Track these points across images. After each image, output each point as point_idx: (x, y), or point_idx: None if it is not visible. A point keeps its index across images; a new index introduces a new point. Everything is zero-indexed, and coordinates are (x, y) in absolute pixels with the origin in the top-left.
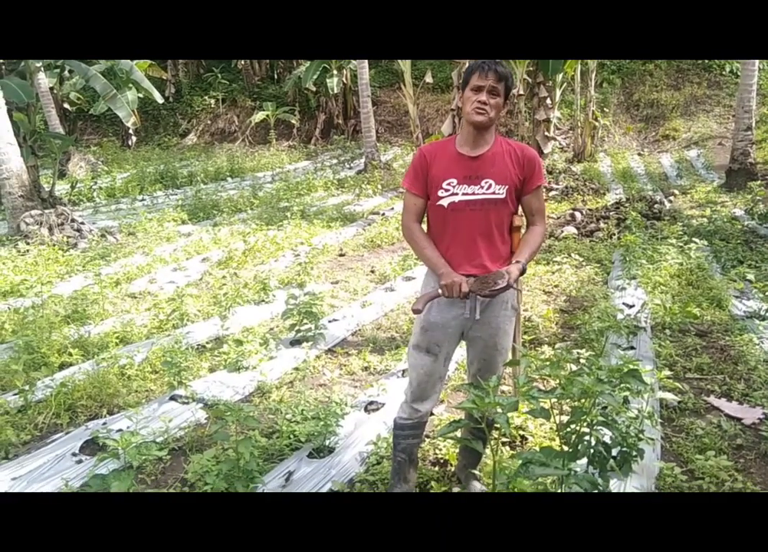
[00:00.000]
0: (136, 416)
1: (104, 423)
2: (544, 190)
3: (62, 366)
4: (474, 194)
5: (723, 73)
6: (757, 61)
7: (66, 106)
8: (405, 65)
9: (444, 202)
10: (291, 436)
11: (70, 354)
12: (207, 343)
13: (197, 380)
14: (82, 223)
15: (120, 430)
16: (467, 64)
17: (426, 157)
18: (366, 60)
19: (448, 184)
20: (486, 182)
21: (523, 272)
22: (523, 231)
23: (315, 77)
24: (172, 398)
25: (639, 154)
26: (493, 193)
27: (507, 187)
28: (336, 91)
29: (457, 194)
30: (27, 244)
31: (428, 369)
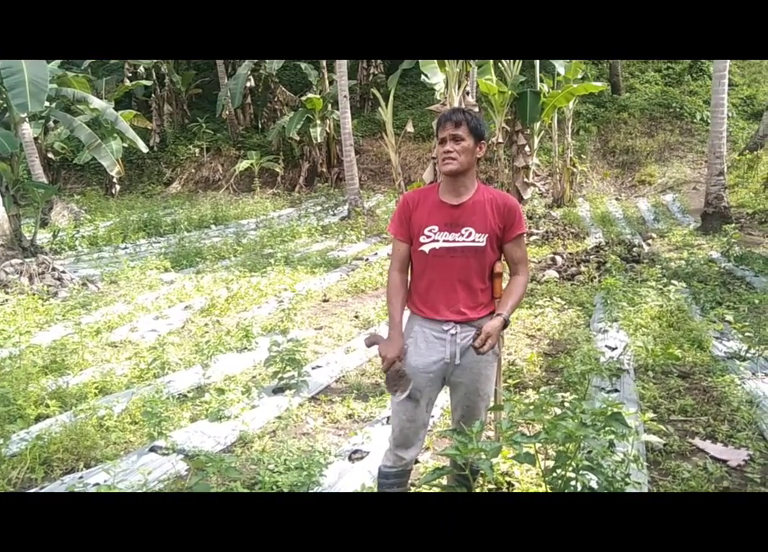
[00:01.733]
0: (113, 469)
1: (81, 477)
2: (525, 235)
3: (38, 418)
4: (454, 241)
5: (694, 120)
6: (726, 109)
7: (50, 155)
8: (386, 115)
9: (426, 248)
10: (274, 487)
11: (47, 406)
12: (188, 392)
13: (178, 431)
14: (63, 272)
15: (97, 484)
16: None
17: (409, 204)
18: (348, 111)
19: (430, 230)
20: (466, 230)
21: (505, 325)
22: (505, 277)
23: (299, 126)
24: (152, 449)
25: (617, 199)
26: (474, 241)
27: (486, 235)
28: (319, 140)
29: (438, 241)
30: (7, 293)
31: (410, 415)
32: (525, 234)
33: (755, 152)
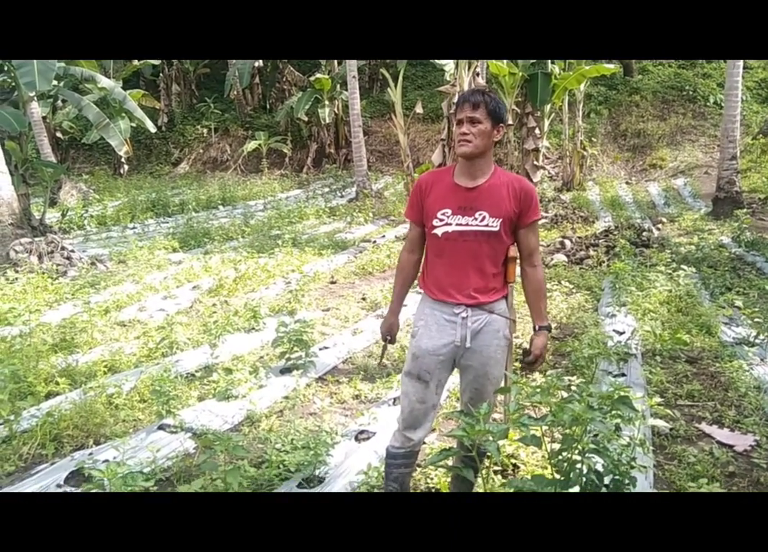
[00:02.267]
0: (122, 446)
1: (90, 454)
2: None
3: (48, 396)
4: (467, 225)
5: (708, 104)
6: (740, 92)
7: (58, 134)
8: (395, 96)
9: (438, 232)
10: (281, 466)
11: (57, 383)
12: (196, 371)
13: (186, 409)
14: (72, 251)
15: (107, 460)
16: (456, 95)
17: (422, 186)
18: (357, 92)
19: (443, 214)
20: (480, 214)
21: (549, 331)
22: (518, 262)
23: (307, 107)
24: (161, 427)
25: (627, 183)
26: (487, 226)
27: (500, 220)
28: (327, 121)
29: (450, 224)
30: (16, 272)
31: (419, 396)
32: (539, 221)
33: None
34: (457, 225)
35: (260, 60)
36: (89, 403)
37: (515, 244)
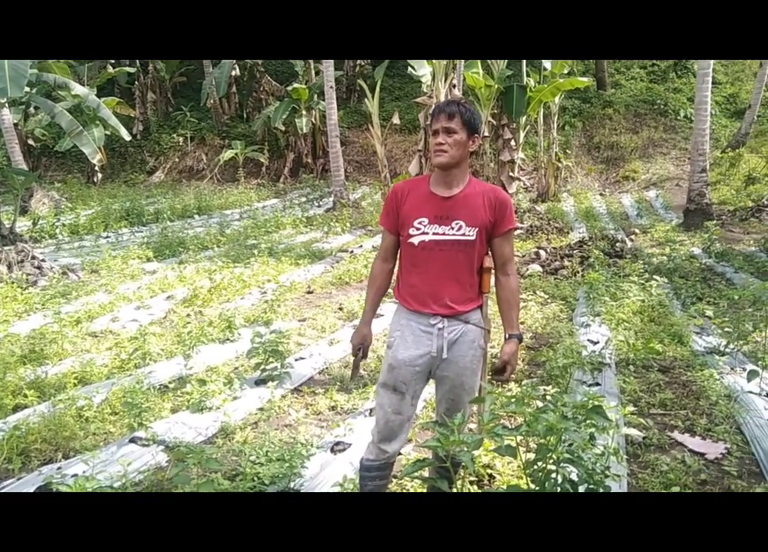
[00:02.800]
0: (92, 460)
1: (59, 468)
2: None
3: (16, 409)
4: (444, 234)
5: (678, 118)
6: (709, 107)
7: (30, 142)
8: (373, 107)
9: (415, 241)
10: (255, 479)
11: (25, 396)
12: (170, 382)
13: (158, 421)
14: (43, 260)
15: (75, 475)
16: (433, 107)
17: (398, 194)
18: (335, 102)
19: (419, 223)
20: (456, 224)
21: (520, 340)
22: (493, 273)
23: (284, 116)
24: (132, 440)
25: (601, 194)
26: (464, 235)
27: (477, 229)
28: (305, 131)
29: (427, 233)
30: None
31: (395, 407)
32: (514, 230)
33: (737, 150)
34: (434, 234)
35: (237, 70)
36: (58, 416)
37: (489, 254)
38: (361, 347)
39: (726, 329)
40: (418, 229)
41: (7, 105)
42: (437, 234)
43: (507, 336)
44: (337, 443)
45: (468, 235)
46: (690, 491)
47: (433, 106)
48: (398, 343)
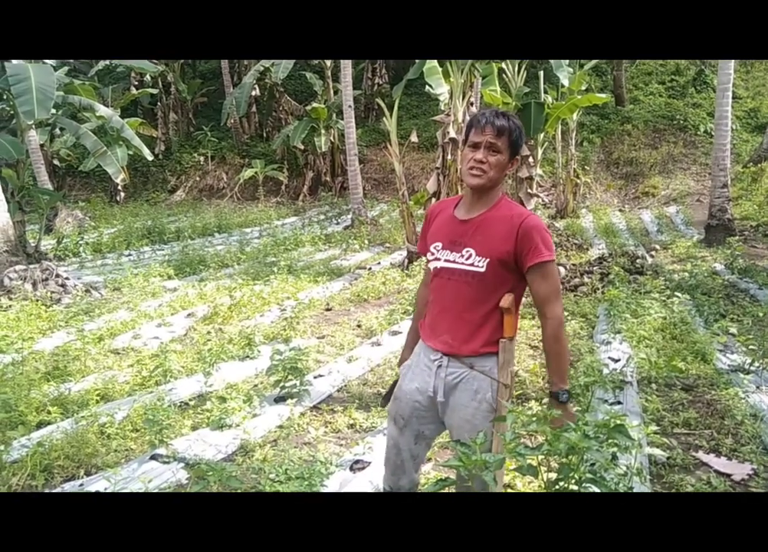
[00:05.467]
0: (114, 477)
1: (81, 485)
2: (552, 264)
3: (40, 425)
4: (454, 262)
5: (698, 133)
6: (730, 122)
7: (55, 162)
8: (391, 125)
9: (431, 266)
10: None
11: (49, 412)
12: (190, 400)
13: (179, 439)
14: (67, 278)
15: (98, 491)
16: (451, 125)
17: (429, 216)
18: (353, 121)
19: (435, 247)
20: (467, 251)
21: (558, 400)
22: (512, 312)
23: (303, 135)
24: (153, 457)
25: (620, 210)
26: (472, 265)
27: (488, 260)
28: (323, 149)
29: (440, 259)
30: (10, 299)
31: (394, 441)
32: (551, 263)
33: (759, 165)
34: (445, 261)
35: (257, 90)
36: (80, 433)
37: (514, 290)
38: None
39: (750, 346)
40: (432, 254)
41: (34, 126)
42: (448, 261)
43: (550, 394)
44: (356, 462)
45: (477, 266)
46: None
47: (477, 115)
48: (405, 372)
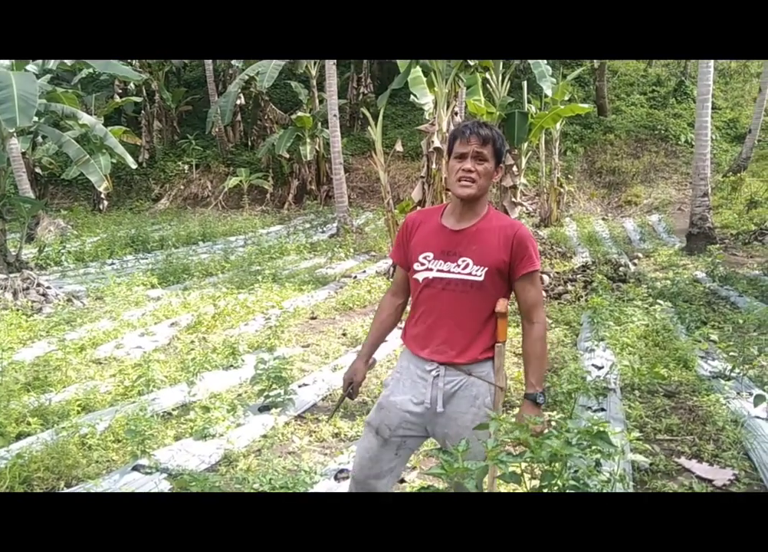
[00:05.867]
0: (95, 488)
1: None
2: (538, 274)
3: (19, 436)
4: (449, 272)
5: (679, 143)
6: (709, 132)
7: (37, 170)
8: (376, 134)
9: (419, 277)
10: None
11: (29, 423)
12: (173, 409)
13: (161, 449)
14: (48, 287)
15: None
16: (435, 134)
17: (409, 226)
18: (338, 129)
19: (425, 257)
20: (463, 261)
21: (536, 402)
22: (509, 317)
23: (288, 144)
24: (135, 468)
25: (603, 219)
26: (470, 274)
27: (486, 269)
28: (309, 158)
29: (431, 269)
30: None
31: (373, 453)
32: (538, 272)
33: (738, 175)
34: (438, 270)
35: (242, 99)
36: (61, 444)
37: (506, 297)
38: (351, 384)
39: (731, 353)
40: (422, 264)
41: (15, 134)
42: (441, 271)
43: (524, 396)
44: (341, 471)
45: (476, 275)
46: None
47: (460, 126)
48: (393, 385)
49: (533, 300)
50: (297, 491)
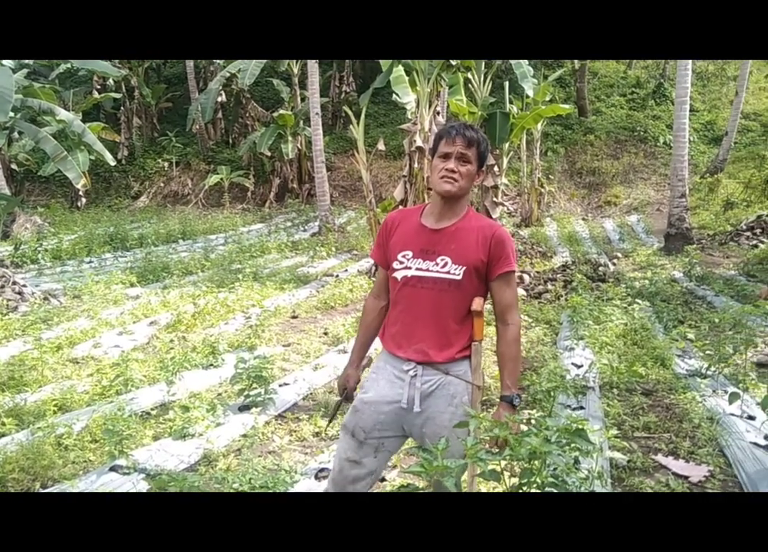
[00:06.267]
0: (71, 489)
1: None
2: (515, 274)
3: None
4: (428, 270)
5: (658, 144)
6: (687, 134)
7: (13, 166)
8: (358, 133)
9: (398, 275)
10: None
11: (3, 424)
12: (152, 409)
13: (140, 449)
14: (24, 286)
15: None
16: (418, 133)
17: (388, 225)
18: (320, 128)
19: (403, 256)
20: (442, 260)
21: (512, 404)
22: (485, 316)
23: (270, 142)
24: (112, 468)
25: (583, 219)
26: (449, 273)
27: (464, 268)
28: (290, 156)
29: (410, 268)
30: None
31: (351, 455)
32: (514, 273)
33: (715, 176)
34: (417, 269)
35: (223, 96)
36: (36, 444)
37: (482, 297)
38: (345, 390)
39: (707, 352)
40: (401, 263)
41: None
42: (420, 269)
43: (500, 397)
44: (321, 470)
45: (454, 274)
46: None
47: (447, 127)
48: (369, 385)
49: (507, 301)
50: (277, 491)
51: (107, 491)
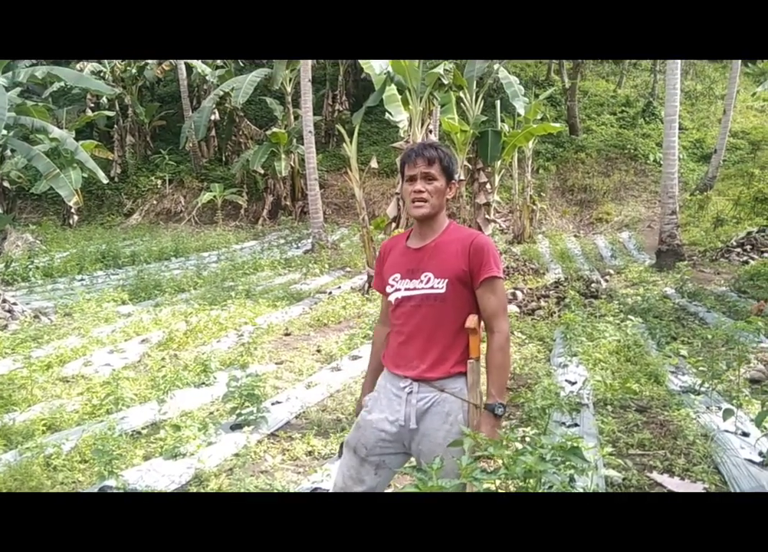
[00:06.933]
0: None
1: None
2: (501, 281)
3: None
4: (414, 288)
5: (648, 162)
6: (677, 151)
7: (5, 184)
8: (351, 151)
9: (392, 298)
10: None
11: None
12: (143, 428)
13: (130, 469)
14: (14, 303)
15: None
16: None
17: (382, 253)
18: (313, 146)
19: (393, 279)
20: (425, 276)
21: (494, 413)
22: (482, 333)
23: (263, 160)
24: (102, 489)
25: (575, 236)
26: (432, 287)
27: (446, 280)
28: (284, 174)
29: (400, 289)
30: None
31: (353, 472)
32: (500, 280)
33: (705, 193)
34: (405, 289)
35: (216, 114)
36: (25, 465)
37: (476, 314)
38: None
39: (701, 368)
40: (392, 286)
41: None
42: (408, 289)
43: (484, 407)
44: (315, 489)
45: (437, 288)
46: None
47: (406, 150)
48: (372, 404)
49: (492, 308)
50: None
51: None
